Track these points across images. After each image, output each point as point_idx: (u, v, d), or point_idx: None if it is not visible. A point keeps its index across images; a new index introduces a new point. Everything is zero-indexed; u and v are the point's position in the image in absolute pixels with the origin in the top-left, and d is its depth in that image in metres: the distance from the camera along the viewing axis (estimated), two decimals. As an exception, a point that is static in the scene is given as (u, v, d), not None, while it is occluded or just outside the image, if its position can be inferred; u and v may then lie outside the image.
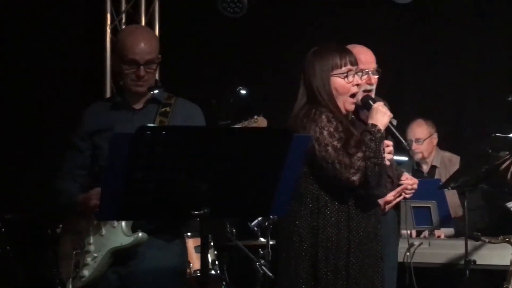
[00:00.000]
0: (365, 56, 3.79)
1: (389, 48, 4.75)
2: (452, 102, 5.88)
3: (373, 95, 3.76)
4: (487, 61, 5.84)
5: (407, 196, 3.87)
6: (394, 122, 3.61)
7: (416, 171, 5.43)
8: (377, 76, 3.79)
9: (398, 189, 3.67)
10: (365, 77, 3.70)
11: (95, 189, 3.26)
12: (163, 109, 3.44)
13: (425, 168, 5.47)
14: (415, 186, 3.86)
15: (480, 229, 4.96)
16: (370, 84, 3.78)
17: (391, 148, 3.48)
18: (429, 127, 5.45)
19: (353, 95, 3.45)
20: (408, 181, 3.83)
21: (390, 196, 3.63)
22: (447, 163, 5.35)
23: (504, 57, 5.84)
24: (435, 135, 5.45)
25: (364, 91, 3.69)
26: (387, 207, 3.66)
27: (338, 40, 3.63)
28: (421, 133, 5.41)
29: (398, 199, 3.70)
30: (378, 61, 3.83)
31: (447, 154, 5.41)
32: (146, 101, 3.47)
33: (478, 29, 5.87)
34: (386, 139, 3.46)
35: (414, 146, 5.37)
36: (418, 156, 5.41)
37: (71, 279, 3.35)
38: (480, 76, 5.84)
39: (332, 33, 5.73)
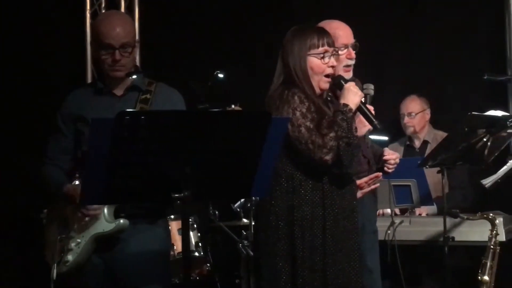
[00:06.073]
0: (344, 31, 3.88)
1: (369, 28, 4.76)
2: (435, 80, 5.91)
3: (351, 70, 3.86)
4: (469, 39, 5.87)
5: (390, 170, 3.95)
6: (372, 91, 3.65)
7: (408, 146, 5.52)
8: (355, 51, 3.86)
9: (371, 176, 3.72)
10: (345, 51, 3.82)
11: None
12: (144, 96, 3.49)
13: (417, 143, 5.53)
14: (397, 160, 3.95)
15: (464, 206, 5.04)
16: (351, 58, 3.87)
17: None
18: (422, 103, 5.53)
19: (327, 76, 3.51)
20: (390, 155, 3.92)
21: (362, 181, 3.68)
22: (439, 140, 5.39)
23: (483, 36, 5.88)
24: (428, 111, 5.53)
25: (345, 66, 3.82)
26: (361, 192, 3.69)
27: (323, 18, 3.68)
28: (414, 107, 5.49)
29: (372, 187, 3.72)
30: (359, 40, 3.90)
31: (440, 133, 5.44)
32: (127, 88, 3.51)
33: (460, 4, 5.88)
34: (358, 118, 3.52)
35: (406, 119, 5.48)
36: (410, 130, 5.50)
37: (55, 264, 3.40)
38: (461, 54, 5.87)
39: (315, 12, 5.75)
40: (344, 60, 3.83)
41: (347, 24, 3.94)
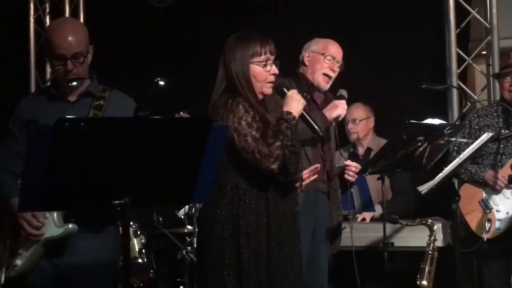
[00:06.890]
0: (335, 47, 4.31)
1: (312, 35, 4.84)
2: (378, 89, 6.00)
3: (330, 82, 4.24)
4: (411, 49, 5.98)
5: (350, 178, 4.15)
6: (345, 93, 4.18)
7: (351, 153, 5.58)
8: (338, 69, 4.26)
9: (311, 167, 3.77)
10: (331, 61, 4.23)
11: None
12: (97, 103, 3.48)
13: (361, 150, 5.59)
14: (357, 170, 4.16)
15: (408, 210, 5.14)
16: (333, 71, 4.25)
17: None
18: (367, 110, 5.60)
19: (270, 83, 3.54)
20: (351, 163, 4.16)
21: (304, 173, 3.74)
22: None
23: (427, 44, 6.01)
24: (372, 119, 5.60)
25: (324, 74, 4.23)
26: (303, 184, 3.74)
27: (261, 27, 3.72)
28: (358, 114, 5.56)
29: (311, 178, 3.76)
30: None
31: (383, 140, 5.50)
32: (80, 94, 3.51)
33: (402, 16, 5.99)
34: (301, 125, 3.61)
35: (350, 126, 5.55)
36: (353, 137, 5.57)
37: (4, 269, 3.39)
38: (404, 64, 5.98)
39: (257, 18, 5.81)
40: (325, 68, 4.22)
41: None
